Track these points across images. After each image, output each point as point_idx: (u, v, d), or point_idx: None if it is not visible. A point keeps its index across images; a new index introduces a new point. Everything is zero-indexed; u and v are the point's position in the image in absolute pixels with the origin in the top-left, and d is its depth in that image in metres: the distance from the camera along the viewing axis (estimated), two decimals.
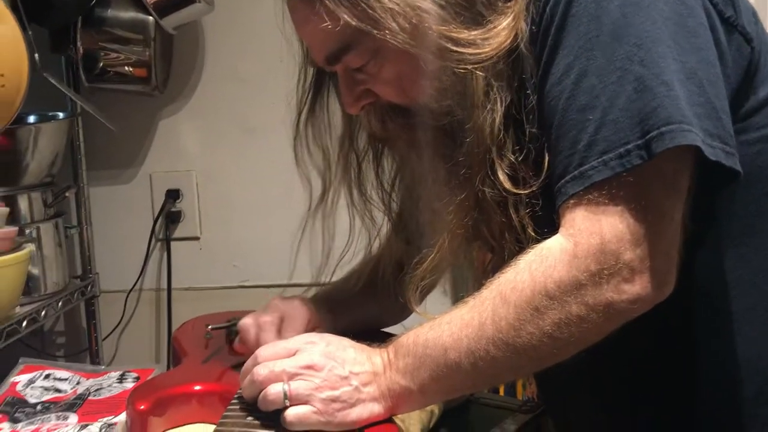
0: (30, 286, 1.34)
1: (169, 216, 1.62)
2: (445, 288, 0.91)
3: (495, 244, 0.76)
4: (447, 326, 0.70)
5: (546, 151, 0.70)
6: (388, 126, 0.83)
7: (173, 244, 1.62)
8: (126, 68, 1.46)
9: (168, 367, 0.98)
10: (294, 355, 0.73)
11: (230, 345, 0.94)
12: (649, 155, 0.62)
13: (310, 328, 0.86)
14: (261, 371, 0.71)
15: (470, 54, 0.71)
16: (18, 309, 1.27)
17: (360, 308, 0.97)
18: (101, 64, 1.44)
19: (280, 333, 0.84)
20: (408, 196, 0.92)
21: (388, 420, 0.73)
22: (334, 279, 0.96)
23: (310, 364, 0.71)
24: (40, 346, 1.60)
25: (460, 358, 0.68)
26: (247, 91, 1.57)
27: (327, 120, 0.88)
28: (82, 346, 1.64)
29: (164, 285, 1.62)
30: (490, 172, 0.73)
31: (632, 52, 0.64)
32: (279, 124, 1.52)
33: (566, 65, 0.68)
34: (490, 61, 0.71)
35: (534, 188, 0.71)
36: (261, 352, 0.74)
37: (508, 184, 0.72)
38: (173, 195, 1.62)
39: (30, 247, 1.27)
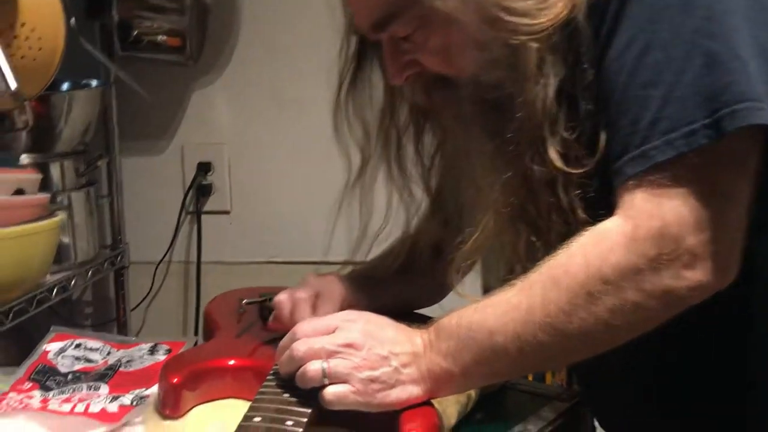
0: (60, 254, 1.33)
1: (199, 189, 1.60)
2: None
3: (542, 224, 0.73)
4: (492, 309, 0.68)
5: (602, 129, 0.68)
6: (433, 98, 0.80)
7: (203, 217, 1.61)
8: (160, 37, 1.43)
9: (198, 342, 0.96)
10: (333, 332, 0.71)
11: (263, 320, 0.93)
12: (718, 134, 0.59)
13: (345, 306, 0.84)
14: (300, 348, 0.69)
15: (524, 24, 0.68)
16: (48, 277, 1.27)
17: (396, 288, 0.95)
18: (135, 32, 1.42)
19: (314, 310, 0.82)
20: (449, 173, 0.89)
21: (427, 403, 0.71)
22: (370, 257, 0.93)
23: (349, 342, 0.69)
24: (68, 314, 1.60)
25: (506, 342, 0.66)
26: (283, 63, 1.54)
27: (369, 92, 0.86)
28: (109, 317, 1.63)
29: (193, 258, 1.61)
30: (540, 150, 0.70)
31: (701, 24, 0.61)
32: (314, 97, 1.52)
33: (628, 38, 0.65)
34: (545, 33, 0.68)
35: (588, 168, 0.68)
36: (300, 328, 0.72)
37: (559, 163, 0.69)
38: (204, 168, 1.60)
39: (62, 215, 1.26)
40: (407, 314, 0.95)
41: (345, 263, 1.53)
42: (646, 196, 0.62)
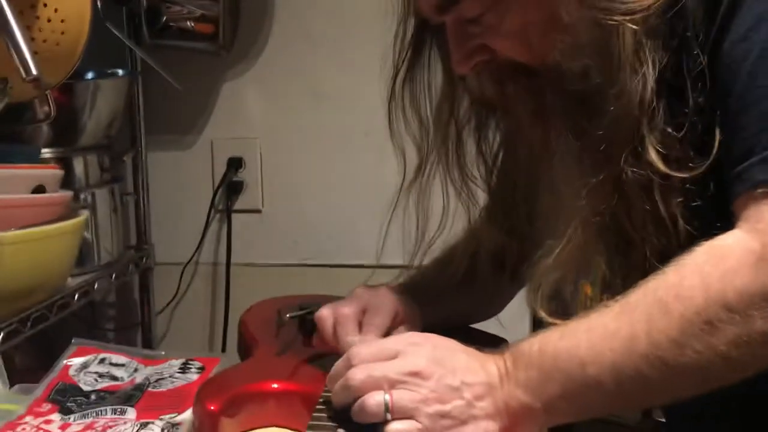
0: (83, 255, 1.25)
1: (230, 186, 1.52)
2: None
3: (635, 237, 0.63)
4: (585, 335, 0.58)
5: (717, 126, 0.58)
6: (507, 90, 0.70)
7: (233, 216, 1.52)
8: (190, 23, 1.35)
9: (236, 355, 0.86)
10: (395, 358, 0.61)
11: (305, 335, 0.84)
12: None
13: (397, 322, 0.75)
14: (357, 376, 0.60)
15: (621, 2, 0.58)
16: (70, 280, 1.18)
17: (452, 302, 0.86)
18: (164, 18, 1.33)
19: (361, 327, 0.72)
20: (516, 175, 0.79)
21: None
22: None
23: (416, 371, 0.60)
24: (90, 318, 1.52)
25: (601, 375, 0.57)
26: (320, 55, 1.45)
27: (427, 83, 0.77)
28: (134, 320, 1.55)
29: (222, 259, 1.52)
30: (638, 150, 0.61)
31: None
32: (355, 90, 1.43)
33: (756, 17, 0.55)
34: (645, 13, 0.59)
35: (696, 171, 0.59)
36: (356, 352, 0.62)
37: (661, 165, 0.60)
38: (235, 164, 1.51)
39: (85, 214, 1.18)
40: (461, 330, 0.86)
41: (379, 267, 1.46)
42: None
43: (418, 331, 0.75)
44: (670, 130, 0.60)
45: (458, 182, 0.79)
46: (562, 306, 0.71)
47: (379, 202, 1.42)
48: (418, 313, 0.80)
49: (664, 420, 0.80)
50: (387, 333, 0.74)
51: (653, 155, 0.60)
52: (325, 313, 0.75)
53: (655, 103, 0.60)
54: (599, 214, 0.62)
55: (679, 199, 0.60)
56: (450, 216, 0.81)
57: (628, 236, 0.64)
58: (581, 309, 0.71)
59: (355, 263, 1.45)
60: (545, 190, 0.71)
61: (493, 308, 0.92)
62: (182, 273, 1.54)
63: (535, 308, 0.67)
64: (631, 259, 0.64)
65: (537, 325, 1.51)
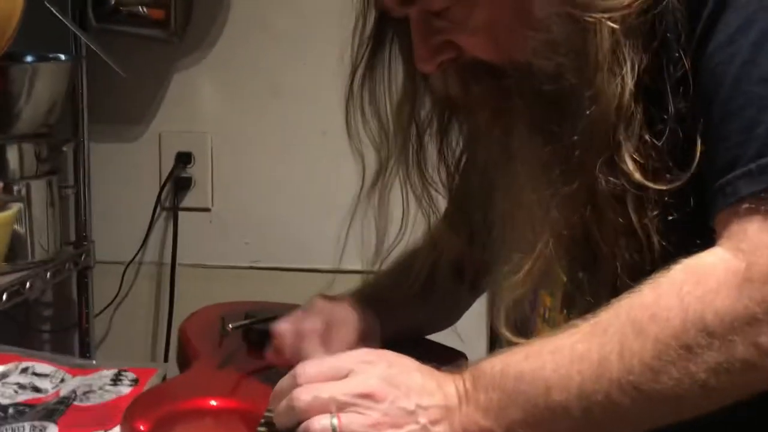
0: (15, 251, 1.17)
1: (178, 182, 1.45)
2: None
3: (605, 251, 0.59)
4: (551, 356, 0.54)
5: (699, 136, 0.54)
6: (472, 90, 0.66)
7: (181, 214, 1.45)
8: (141, 8, 1.28)
9: (173, 364, 0.80)
10: (346, 377, 0.56)
11: (249, 344, 0.78)
12: None
13: (362, 338, 0.69)
14: (303, 396, 0.55)
15: None
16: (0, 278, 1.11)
17: (409, 314, 0.81)
18: (113, 2, 1.26)
19: (324, 344, 0.67)
20: (478, 181, 0.75)
21: None
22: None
23: (367, 392, 0.55)
24: (23, 319, 1.43)
25: (567, 400, 0.52)
26: (277, 47, 1.40)
27: (387, 81, 0.72)
28: (71, 321, 1.47)
29: (168, 259, 1.45)
30: (613, 158, 0.56)
31: None
32: (313, 85, 1.38)
33: (743, 19, 0.52)
34: (625, 11, 0.55)
35: (675, 183, 0.55)
36: (302, 370, 0.57)
37: (637, 175, 0.56)
38: (184, 159, 1.44)
39: (18, 207, 1.10)
40: (415, 342, 0.81)
41: (334, 272, 1.40)
42: (765, 224, 0.49)
43: (378, 346, 0.70)
44: (648, 137, 0.56)
45: (418, 188, 0.75)
46: (521, 317, 0.67)
47: (336, 205, 1.37)
48: (377, 327, 0.75)
49: None
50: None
51: (629, 164, 0.56)
52: (285, 329, 0.69)
53: (633, 108, 0.56)
54: (572, 226, 0.58)
55: (655, 213, 0.57)
56: (410, 222, 0.76)
57: (597, 250, 0.60)
58: (539, 320, 0.67)
59: (309, 267, 1.40)
60: (503, 198, 0.67)
61: (449, 319, 0.88)
62: (124, 273, 1.46)
63: (499, 327, 0.62)
64: (599, 274, 0.60)
65: (495, 337, 1.47)
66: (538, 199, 0.59)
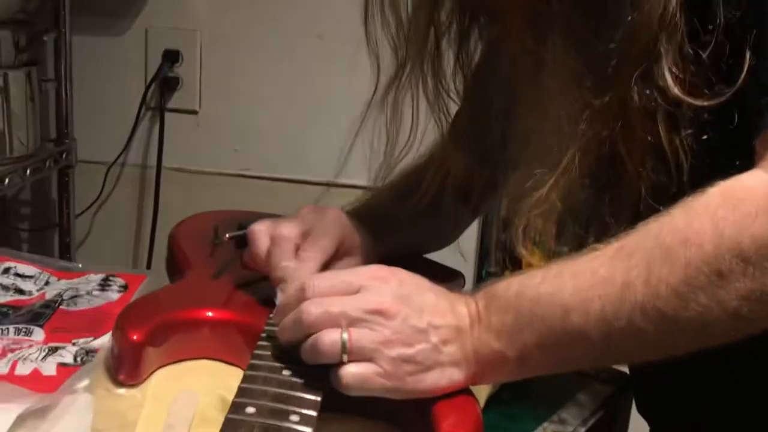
0: None
1: (164, 82, 1.38)
2: None
3: (631, 170, 0.56)
4: (571, 280, 0.51)
5: (749, 49, 0.50)
6: None
7: (167, 115, 1.39)
8: None
9: (163, 273, 0.76)
10: (356, 293, 0.53)
11: (243, 255, 0.74)
12: None
13: (342, 252, 0.66)
14: (312, 310, 0.52)
15: None
16: None
17: (410, 232, 0.78)
18: None
19: (297, 252, 0.63)
20: (494, 92, 0.71)
21: (465, 390, 0.55)
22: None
23: (379, 309, 0.52)
24: (1, 215, 1.38)
25: (586, 324, 0.50)
26: None
27: None
28: (50, 221, 1.42)
29: (152, 162, 1.39)
30: (653, 70, 0.52)
31: None
32: None
33: None
34: None
35: (719, 99, 0.51)
36: (311, 283, 0.54)
37: (676, 90, 0.52)
38: (171, 57, 1.37)
39: None
40: (414, 261, 0.78)
41: (328, 185, 1.36)
42: None
43: (368, 263, 0.67)
44: (690, 49, 0.52)
45: (432, 95, 0.70)
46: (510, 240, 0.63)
47: (331, 113, 1.33)
48: (370, 242, 0.71)
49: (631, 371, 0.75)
50: (328, 264, 0.65)
51: (668, 77, 0.52)
52: (259, 230, 0.65)
53: (677, 16, 0.52)
54: (601, 141, 0.54)
55: (689, 131, 0.53)
56: (419, 134, 0.72)
57: (622, 169, 0.56)
58: (530, 243, 0.63)
59: (300, 178, 1.35)
60: (527, 110, 0.63)
61: (449, 239, 0.86)
62: (107, 174, 1.41)
63: (517, 246, 0.59)
64: (622, 194, 0.57)
65: (483, 255, 1.45)
66: (567, 111, 0.56)
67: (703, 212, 0.48)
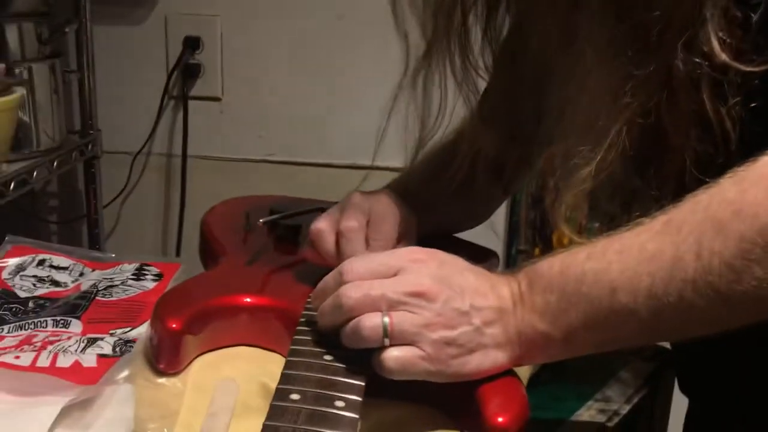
0: (20, 139, 1.11)
1: (186, 69, 1.37)
2: None
3: (676, 141, 0.54)
4: (617, 257, 0.50)
5: None
6: None
7: (190, 103, 1.38)
8: None
9: (193, 261, 0.76)
10: (395, 275, 0.52)
11: (277, 240, 0.74)
12: None
13: (402, 235, 0.65)
14: (352, 294, 0.51)
15: None
16: (5, 167, 1.05)
17: (444, 210, 0.77)
18: None
19: (366, 242, 0.62)
20: (526, 67, 0.69)
21: (509, 372, 0.54)
22: None
23: (419, 291, 0.51)
24: (30, 209, 1.39)
25: (635, 302, 0.48)
26: None
27: None
28: (78, 213, 1.42)
29: (177, 151, 1.39)
30: (698, 36, 0.50)
31: None
32: None
33: None
34: None
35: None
36: (350, 267, 0.53)
37: (723, 56, 0.50)
38: (192, 44, 1.36)
39: (21, 91, 1.04)
40: (446, 240, 0.77)
41: (352, 167, 1.35)
42: None
43: (415, 244, 0.66)
44: (738, 13, 0.50)
45: (460, 73, 0.69)
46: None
47: (354, 95, 1.32)
48: (414, 222, 0.70)
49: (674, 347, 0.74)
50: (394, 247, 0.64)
51: (714, 43, 0.50)
52: (323, 226, 0.64)
53: None
54: (646, 114, 0.53)
55: (737, 99, 0.51)
56: (447, 114, 0.71)
57: (666, 140, 0.54)
58: (560, 220, 0.61)
59: (324, 162, 1.34)
60: (563, 83, 0.61)
61: (481, 218, 0.85)
62: (132, 164, 1.41)
63: (559, 224, 0.57)
64: (666, 166, 0.55)
65: (513, 230, 1.43)
66: (607, 83, 0.54)
67: (756, 182, 0.46)
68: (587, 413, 0.64)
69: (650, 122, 0.54)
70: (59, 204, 1.47)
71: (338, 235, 0.62)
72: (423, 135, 0.69)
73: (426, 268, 0.52)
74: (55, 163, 1.20)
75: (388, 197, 0.66)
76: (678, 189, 0.52)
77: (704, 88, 0.51)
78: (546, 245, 1.35)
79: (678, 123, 0.53)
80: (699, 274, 0.47)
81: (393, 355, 0.50)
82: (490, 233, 0.89)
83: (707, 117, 0.52)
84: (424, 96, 0.68)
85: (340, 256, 0.61)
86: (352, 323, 0.51)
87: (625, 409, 0.65)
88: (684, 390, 0.73)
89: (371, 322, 0.50)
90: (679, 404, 0.75)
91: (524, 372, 0.65)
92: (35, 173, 1.14)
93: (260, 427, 0.44)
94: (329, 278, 0.54)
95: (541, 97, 0.66)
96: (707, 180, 0.49)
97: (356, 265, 0.53)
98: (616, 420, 0.63)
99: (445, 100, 0.70)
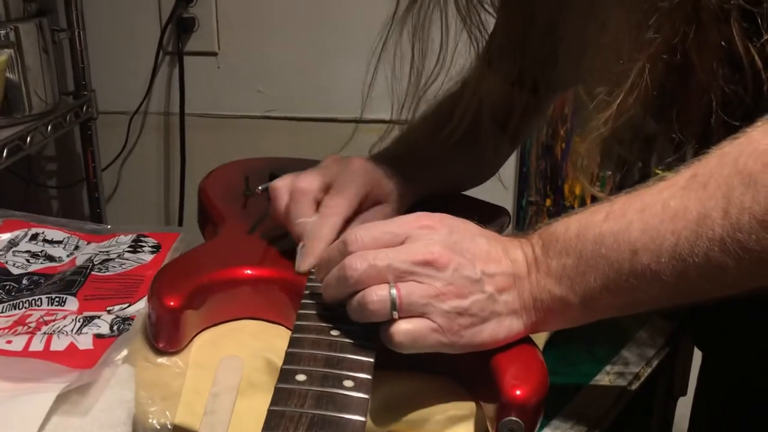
0: (10, 104, 1.07)
1: (180, 23, 1.32)
2: None
3: (703, 80, 0.50)
4: (638, 216, 0.46)
5: None
6: None
7: (186, 59, 1.33)
8: None
9: (196, 225, 0.73)
10: (403, 243, 0.49)
11: None
12: None
13: (371, 200, 0.61)
14: (357, 265, 0.48)
15: None
16: None
17: (447, 166, 0.73)
18: None
19: (317, 206, 0.59)
20: (537, 3, 0.65)
21: (526, 340, 0.51)
22: None
23: (428, 260, 0.48)
24: (27, 175, 1.35)
25: (659, 264, 0.45)
26: None
27: None
28: (77, 177, 1.39)
29: (175, 109, 1.35)
30: None
31: None
32: None
33: None
34: None
35: None
36: (354, 236, 0.50)
37: None
38: None
39: (7, 53, 0.99)
40: (452, 199, 0.74)
41: (356, 121, 1.31)
42: None
43: (399, 213, 0.62)
44: None
45: (464, 7, 0.64)
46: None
47: (357, 43, 1.26)
48: (402, 185, 0.66)
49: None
50: (354, 215, 0.60)
51: None
52: (280, 185, 0.60)
53: None
54: (672, 50, 0.48)
55: None
56: (449, 56, 0.66)
57: (693, 79, 0.50)
58: (572, 169, 0.58)
59: (327, 116, 1.30)
60: (581, 20, 0.56)
61: (487, 173, 0.81)
62: (129, 124, 1.37)
63: (578, 175, 0.54)
64: (691, 108, 0.51)
65: (523, 181, 1.39)
66: (631, 17, 0.49)
67: None
68: (606, 378, 0.62)
69: (675, 60, 0.50)
70: (57, 169, 1.44)
71: (290, 195, 0.59)
72: (420, 82, 0.65)
73: (435, 234, 0.49)
74: (50, 127, 1.16)
75: (361, 163, 0.62)
76: (702, 134, 0.49)
77: (734, 22, 0.47)
78: (558, 196, 1.31)
79: (705, 60, 0.49)
80: (727, 232, 0.43)
81: (402, 328, 0.47)
82: (499, 185, 0.85)
83: (737, 54, 0.48)
84: (421, 37, 0.63)
85: (287, 218, 0.58)
86: (358, 296, 0.48)
87: (647, 372, 0.62)
88: (699, 344, 0.71)
89: (378, 295, 0.47)
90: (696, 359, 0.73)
91: (541, 338, 0.63)
92: (29, 138, 1.10)
93: (266, 405, 0.42)
94: (333, 248, 0.51)
95: (554, 39, 0.62)
96: (735, 124, 0.46)
97: (361, 233, 0.50)
98: (637, 384, 0.61)
99: (447, 40, 0.66)
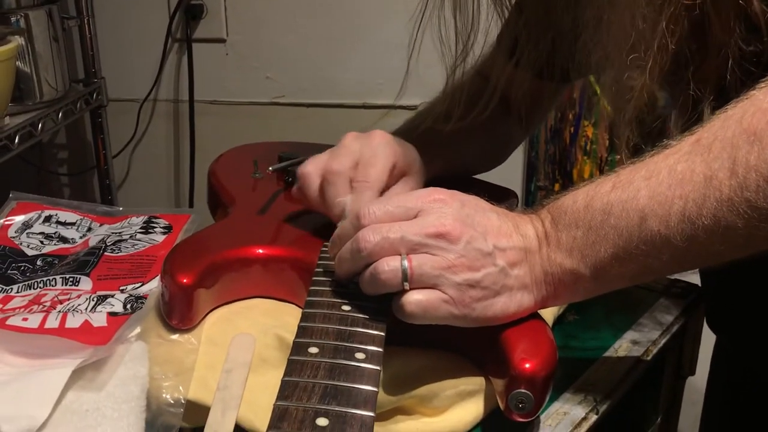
0: (21, 91, 1.08)
1: (188, 10, 1.32)
2: None
3: (721, 39, 0.50)
4: (644, 183, 0.47)
5: None
6: None
7: (195, 46, 1.33)
8: None
9: (206, 208, 0.73)
10: (415, 217, 0.49)
11: (287, 188, 0.71)
12: None
13: (398, 173, 0.61)
14: (370, 238, 0.48)
15: None
16: (7, 120, 1.02)
17: (458, 149, 0.73)
18: None
19: (352, 186, 0.59)
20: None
21: (535, 315, 0.51)
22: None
23: (441, 232, 0.48)
24: (38, 162, 1.36)
25: (668, 229, 0.45)
26: None
27: None
28: (88, 164, 1.40)
29: (185, 96, 1.35)
30: None
31: None
32: None
33: None
34: None
35: None
36: (367, 210, 0.50)
37: None
38: None
39: (17, 41, 1.00)
40: (464, 182, 0.74)
41: (364, 107, 1.31)
42: None
43: (422, 185, 0.62)
44: None
45: None
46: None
47: (365, 30, 1.27)
48: (420, 162, 0.66)
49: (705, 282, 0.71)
50: (385, 189, 0.61)
51: None
52: (309, 170, 0.60)
53: None
54: (691, 6, 0.48)
55: None
56: (479, 31, 0.66)
57: (709, 39, 0.50)
58: (580, 152, 0.58)
59: (336, 102, 1.30)
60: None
61: (501, 157, 0.81)
62: (139, 111, 1.37)
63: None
64: (707, 67, 0.51)
65: (532, 166, 1.39)
66: None
67: None
68: (624, 345, 0.62)
69: (695, 16, 0.49)
70: (68, 156, 1.45)
71: (322, 179, 0.59)
72: (454, 58, 0.65)
73: (447, 208, 0.50)
74: (61, 114, 1.17)
75: (383, 138, 0.62)
76: (718, 92, 0.48)
77: None
78: (567, 181, 1.31)
79: (723, 17, 0.49)
80: (735, 192, 0.43)
81: (414, 298, 0.48)
82: (508, 170, 0.85)
83: (754, 13, 0.48)
84: (443, 20, 0.63)
85: (324, 200, 0.58)
86: (370, 268, 0.49)
87: (660, 344, 0.62)
88: (712, 326, 0.71)
89: (389, 265, 0.48)
90: (705, 341, 0.73)
91: (549, 314, 0.63)
92: (41, 125, 1.11)
93: (278, 381, 0.42)
94: (347, 223, 0.51)
95: (578, 20, 0.62)
96: (750, 82, 0.45)
97: (374, 208, 0.50)
98: (650, 356, 0.61)
99: (478, 13, 0.66)
